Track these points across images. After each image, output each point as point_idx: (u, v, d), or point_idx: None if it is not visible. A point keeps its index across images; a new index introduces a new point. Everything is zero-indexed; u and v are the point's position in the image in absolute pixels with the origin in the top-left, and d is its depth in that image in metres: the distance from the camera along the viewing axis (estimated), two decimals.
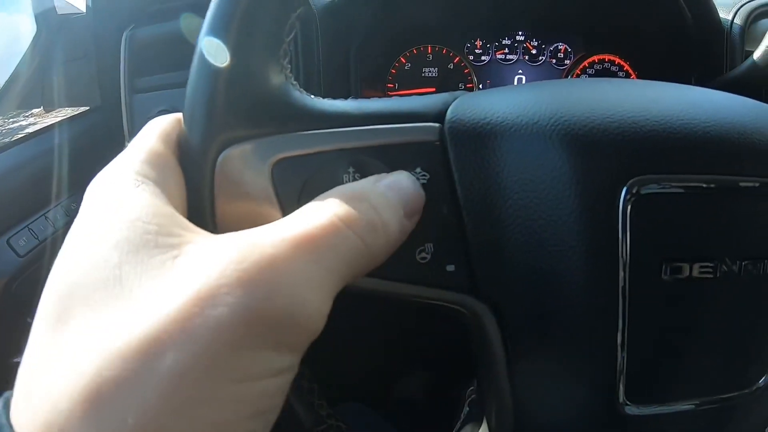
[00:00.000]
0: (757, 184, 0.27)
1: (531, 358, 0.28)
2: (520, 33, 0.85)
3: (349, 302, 0.24)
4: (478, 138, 0.27)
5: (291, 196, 0.26)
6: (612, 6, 0.80)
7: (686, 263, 0.26)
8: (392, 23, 0.77)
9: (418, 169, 0.27)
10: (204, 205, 0.25)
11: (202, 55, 0.24)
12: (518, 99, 0.29)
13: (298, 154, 0.26)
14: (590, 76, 0.86)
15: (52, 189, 0.65)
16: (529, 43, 0.86)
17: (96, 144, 0.71)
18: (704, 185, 0.26)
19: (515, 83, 0.86)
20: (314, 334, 0.21)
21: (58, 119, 0.70)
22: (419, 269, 0.27)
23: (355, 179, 0.26)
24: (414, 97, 0.29)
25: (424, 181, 0.27)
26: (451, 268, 0.28)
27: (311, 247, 0.20)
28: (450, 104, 0.28)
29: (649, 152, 0.26)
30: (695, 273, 0.26)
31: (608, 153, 0.26)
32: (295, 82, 0.27)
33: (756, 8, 0.73)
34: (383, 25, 0.75)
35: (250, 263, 0.19)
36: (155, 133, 0.25)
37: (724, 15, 0.74)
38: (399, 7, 0.74)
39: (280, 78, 0.26)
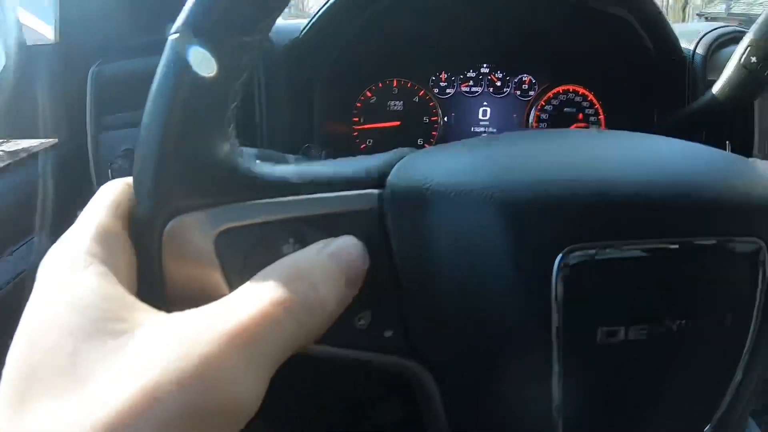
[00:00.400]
0: (689, 246, 0.27)
1: (470, 416, 0.30)
2: (484, 65, 0.87)
3: (290, 369, 0.25)
4: (416, 205, 0.28)
5: (235, 266, 0.27)
6: (575, 38, 0.82)
7: (621, 326, 0.27)
8: (357, 57, 0.78)
9: (356, 238, 0.27)
10: (154, 275, 0.26)
11: (146, 125, 0.25)
12: (456, 163, 0.29)
13: (240, 225, 0.27)
14: (555, 107, 0.88)
15: (18, 226, 0.65)
16: (494, 75, 0.87)
17: (62, 180, 0.71)
18: (637, 251, 0.27)
19: (480, 115, 0.88)
20: (250, 415, 0.22)
21: (25, 154, 0.71)
22: (358, 335, 0.28)
23: (295, 250, 0.27)
24: (357, 159, 0.30)
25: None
26: (389, 333, 0.29)
27: (245, 339, 0.22)
28: (390, 169, 0.29)
29: (583, 221, 0.27)
30: (631, 335, 0.27)
31: (543, 222, 0.27)
32: (240, 149, 0.28)
33: (717, 38, 0.75)
34: (348, 60, 0.76)
35: (188, 363, 0.20)
36: (105, 205, 0.27)
37: (687, 45, 0.76)
38: (364, 42, 0.75)
39: (224, 147, 0.26)
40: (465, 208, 0.27)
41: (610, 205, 0.27)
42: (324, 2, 0.69)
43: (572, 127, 0.88)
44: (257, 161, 0.28)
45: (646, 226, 0.27)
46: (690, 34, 0.77)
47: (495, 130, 0.88)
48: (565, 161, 0.29)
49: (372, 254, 0.27)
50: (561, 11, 0.75)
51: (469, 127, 0.88)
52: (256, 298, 0.23)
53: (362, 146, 0.84)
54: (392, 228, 0.28)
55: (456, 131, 0.88)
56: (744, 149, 0.77)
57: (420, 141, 0.86)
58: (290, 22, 0.73)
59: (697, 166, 0.30)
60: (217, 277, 0.27)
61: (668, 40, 0.74)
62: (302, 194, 0.27)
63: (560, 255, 0.26)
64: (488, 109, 0.88)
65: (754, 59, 0.60)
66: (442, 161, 0.29)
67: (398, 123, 0.84)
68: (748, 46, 0.60)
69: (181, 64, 0.25)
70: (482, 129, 0.88)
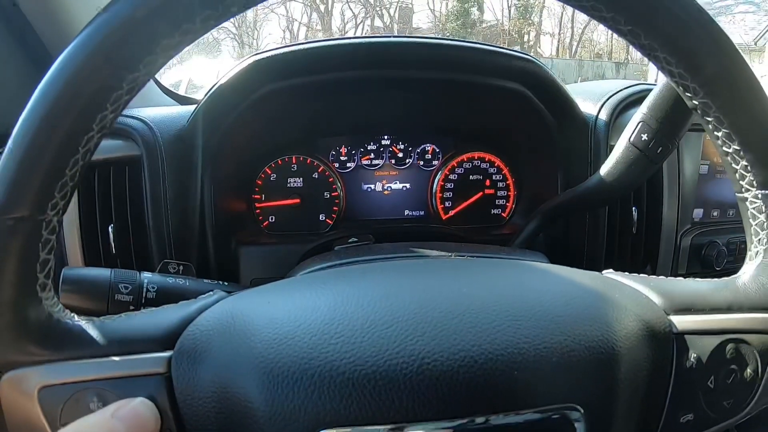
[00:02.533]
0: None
1: None
2: (385, 137, 0.86)
3: None
4: (199, 371, 0.30)
5: (54, 418, 0.30)
6: (475, 107, 0.81)
7: None
8: (252, 137, 0.76)
9: (148, 398, 0.30)
10: None
11: None
12: (240, 330, 0.31)
13: (55, 383, 0.30)
14: (460, 175, 0.87)
15: None
16: (396, 147, 0.87)
17: None
18: None
19: (383, 189, 0.87)
20: None
21: None
22: None
23: (99, 408, 0.30)
24: (165, 310, 0.33)
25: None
26: None
27: None
28: (182, 330, 0.31)
29: (336, 404, 0.27)
30: None
31: (300, 400, 0.28)
32: (57, 304, 0.30)
33: (621, 101, 0.75)
34: (242, 140, 0.74)
35: None
36: None
37: (592, 107, 0.76)
38: (256, 122, 0.73)
39: (38, 310, 0.29)
40: (240, 378, 0.29)
41: (361, 390, 0.27)
42: (210, 88, 0.67)
43: (477, 196, 0.88)
44: (71, 318, 0.31)
45: (390, 413, 0.27)
46: (597, 96, 0.77)
47: (397, 202, 0.88)
48: (337, 334, 0.29)
49: (162, 412, 0.30)
50: (456, 87, 0.75)
51: (371, 200, 0.87)
52: None
53: (265, 223, 0.82)
54: (177, 390, 0.30)
55: (358, 206, 0.87)
56: (653, 210, 0.78)
57: (322, 217, 0.84)
58: (175, 111, 0.71)
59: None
60: (43, 425, 0.30)
61: (565, 109, 0.75)
62: (103, 356, 0.30)
63: None
64: (390, 182, 0.87)
65: (645, 137, 0.58)
66: (228, 326, 0.31)
67: (298, 200, 0.82)
68: (639, 122, 0.58)
69: None
70: (385, 202, 0.88)
